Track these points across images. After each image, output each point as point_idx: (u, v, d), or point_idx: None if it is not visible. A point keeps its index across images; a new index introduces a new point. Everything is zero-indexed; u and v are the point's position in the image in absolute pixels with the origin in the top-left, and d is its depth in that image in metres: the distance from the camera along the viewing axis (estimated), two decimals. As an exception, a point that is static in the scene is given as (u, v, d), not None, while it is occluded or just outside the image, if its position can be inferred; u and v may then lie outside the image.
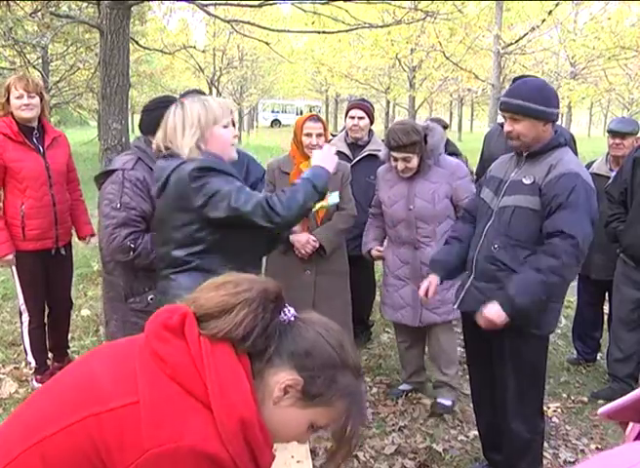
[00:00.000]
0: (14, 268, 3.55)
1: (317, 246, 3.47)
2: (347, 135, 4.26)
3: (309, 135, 3.41)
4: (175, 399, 1.03)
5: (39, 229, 3.46)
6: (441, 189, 3.35)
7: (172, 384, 1.04)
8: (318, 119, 3.47)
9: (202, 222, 2.11)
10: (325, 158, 2.30)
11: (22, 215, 3.41)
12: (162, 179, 2.14)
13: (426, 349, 3.79)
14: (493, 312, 2.39)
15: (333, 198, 2.28)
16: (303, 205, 2.15)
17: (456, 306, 2.72)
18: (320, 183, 2.20)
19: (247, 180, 3.72)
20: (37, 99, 3.42)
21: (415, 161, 3.30)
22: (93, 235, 3.78)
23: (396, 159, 3.33)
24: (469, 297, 2.64)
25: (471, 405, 3.59)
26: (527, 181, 2.48)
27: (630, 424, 1.47)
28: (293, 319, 1.15)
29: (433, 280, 2.83)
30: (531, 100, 2.42)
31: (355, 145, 4.23)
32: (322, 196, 2.23)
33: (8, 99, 3.39)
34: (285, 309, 1.15)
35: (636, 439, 1.13)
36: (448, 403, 3.53)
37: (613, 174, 3.88)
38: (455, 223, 2.99)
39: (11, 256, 3.45)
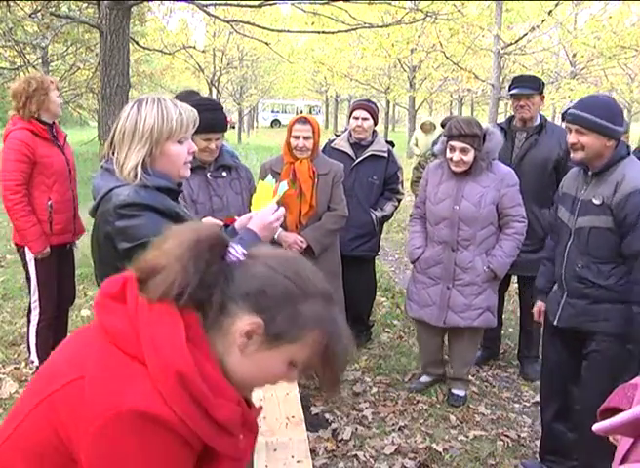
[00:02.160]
0: (31, 264, 3.57)
1: (304, 246, 3.45)
2: (351, 135, 4.25)
3: (297, 137, 3.41)
4: (118, 366, 1.00)
5: (63, 223, 3.58)
6: (489, 194, 3.35)
7: (116, 352, 1.01)
8: (307, 121, 3.44)
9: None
10: (263, 224, 1.99)
11: (50, 211, 3.52)
12: (94, 203, 1.88)
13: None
14: None
15: (281, 188, 2.18)
16: None
17: (555, 322, 2.77)
18: None
19: None
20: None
21: (471, 155, 3.29)
22: (83, 233, 3.87)
23: (453, 149, 3.31)
24: (566, 314, 2.72)
25: (471, 405, 3.61)
26: (597, 202, 2.55)
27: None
28: (243, 258, 1.08)
29: (542, 307, 2.94)
30: (599, 116, 2.48)
31: (358, 145, 4.22)
32: None
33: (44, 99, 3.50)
34: (230, 250, 1.08)
35: (629, 450, 1.13)
36: (462, 393, 3.67)
37: None
38: (548, 242, 3.01)
39: (47, 250, 3.54)
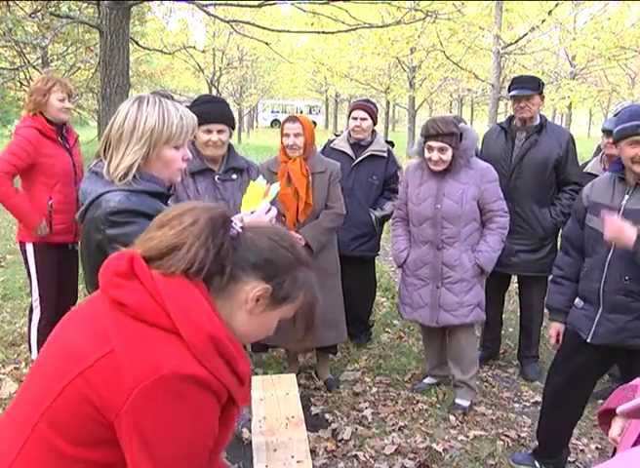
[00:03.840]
0: (31, 263, 3.59)
1: (302, 244, 3.44)
2: (350, 135, 4.25)
3: (287, 135, 3.43)
4: (144, 336, 1.08)
5: (64, 224, 3.59)
6: (469, 191, 3.36)
7: (138, 324, 1.09)
8: (296, 119, 3.47)
9: None
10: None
11: (51, 210, 3.54)
12: (83, 208, 1.82)
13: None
14: None
15: (273, 190, 2.17)
16: None
17: (589, 340, 2.65)
18: None
19: None
20: (70, 104, 3.66)
21: (449, 154, 3.30)
22: None
23: (432, 149, 3.32)
24: (603, 330, 2.60)
25: (473, 407, 3.60)
26: None
27: (617, 424, 1.48)
28: (241, 230, 1.19)
29: (561, 328, 2.84)
30: None
31: (358, 146, 4.21)
32: None
33: (46, 100, 3.51)
34: (232, 224, 1.19)
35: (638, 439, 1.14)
36: (465, 404, 3.57)
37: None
38: (559, 258, 2.90)
39: (44, 225, 3.54)
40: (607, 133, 3.88)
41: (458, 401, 3.59)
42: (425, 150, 3.37)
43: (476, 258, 3.41)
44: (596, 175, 3.92)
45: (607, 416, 1.53)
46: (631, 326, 2.52)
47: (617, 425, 1.48)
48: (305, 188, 3.45)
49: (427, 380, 3.85)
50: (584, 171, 4.02)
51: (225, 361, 1.11)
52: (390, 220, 4.03)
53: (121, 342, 1.08)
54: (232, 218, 1.21)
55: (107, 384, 1.06)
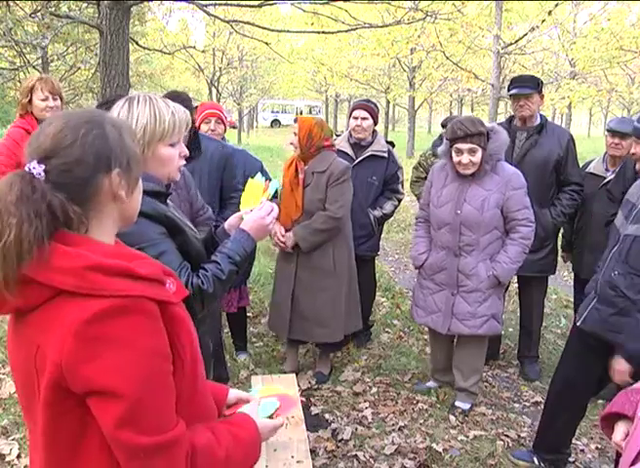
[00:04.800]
0: None
1: (284, 240, 3.59)
2: (351, 135, 4.25)
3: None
4: (47, 314, 1.04)
5: None
6: (492, 197, 3.22)
7: (41, 312, 1.06)
8: (296, 119, 3.66)
9: None
10: (258, 225, 1.96)
11: None
12: None
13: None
14: (619, 367, 2.42)
15: (272, 187, 2.14)
16: (227, 282, 1.89)
17: (579, 323, 2.72)
18: (239, 257, 1.91)
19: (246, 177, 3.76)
20: (59, 101, 3.56)
21: (479, 155, 3.16)
22: None
23: (461, 152, 3.17)
24: (591, 318, 2.67)
25: (473, 407, 3.60)
26: None
27: (620, 428, 1.48)
28: (44, 165, 1.06)
29: None
30: None
31: (358, 146, 4.21)
32: (242, 268, 1.95)
33: (30, 100, 3.50)
34: (32, 172, 1.06)
35: None
36: (466, 406, 3.55)
37: (608, 174, 3.86)
38: (605, 252, 2.87)
39: None
40: (611, 132, 3.85)
41: (458, 403, 3.57)
42: (453, 154, 3.21)
43: (493, 269, 3.28)
44: (597, 175, 3.92)
45: (609, 420, 1.53)
46: (611, 320, 2.58)
47: (620, 430, 1.48)
48: (296, 187, 3.53)
49: (430, 384, 3.81)
50: (586, 171, 4.02)
51: (122, 275, 1.05)
52: (390, 220, 4.03)
53: (38, 335, 1.06)
54: (27, 166, 1.07)
55: (50, 373, 1.03)
